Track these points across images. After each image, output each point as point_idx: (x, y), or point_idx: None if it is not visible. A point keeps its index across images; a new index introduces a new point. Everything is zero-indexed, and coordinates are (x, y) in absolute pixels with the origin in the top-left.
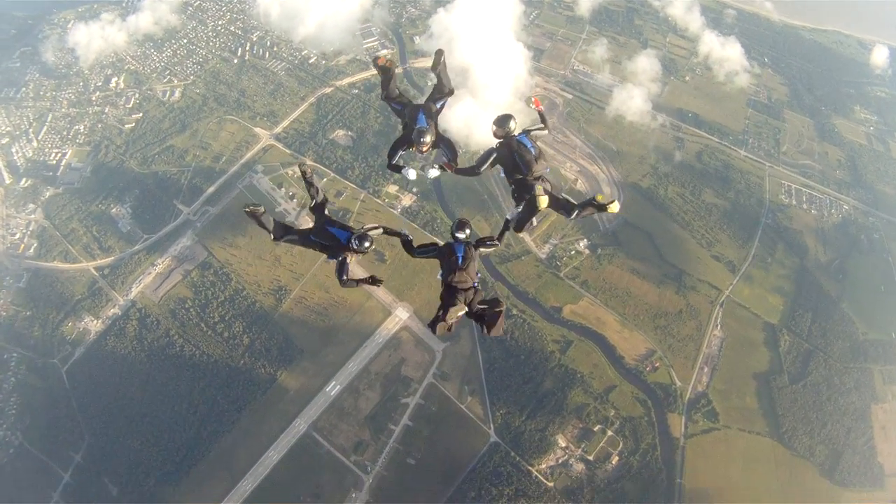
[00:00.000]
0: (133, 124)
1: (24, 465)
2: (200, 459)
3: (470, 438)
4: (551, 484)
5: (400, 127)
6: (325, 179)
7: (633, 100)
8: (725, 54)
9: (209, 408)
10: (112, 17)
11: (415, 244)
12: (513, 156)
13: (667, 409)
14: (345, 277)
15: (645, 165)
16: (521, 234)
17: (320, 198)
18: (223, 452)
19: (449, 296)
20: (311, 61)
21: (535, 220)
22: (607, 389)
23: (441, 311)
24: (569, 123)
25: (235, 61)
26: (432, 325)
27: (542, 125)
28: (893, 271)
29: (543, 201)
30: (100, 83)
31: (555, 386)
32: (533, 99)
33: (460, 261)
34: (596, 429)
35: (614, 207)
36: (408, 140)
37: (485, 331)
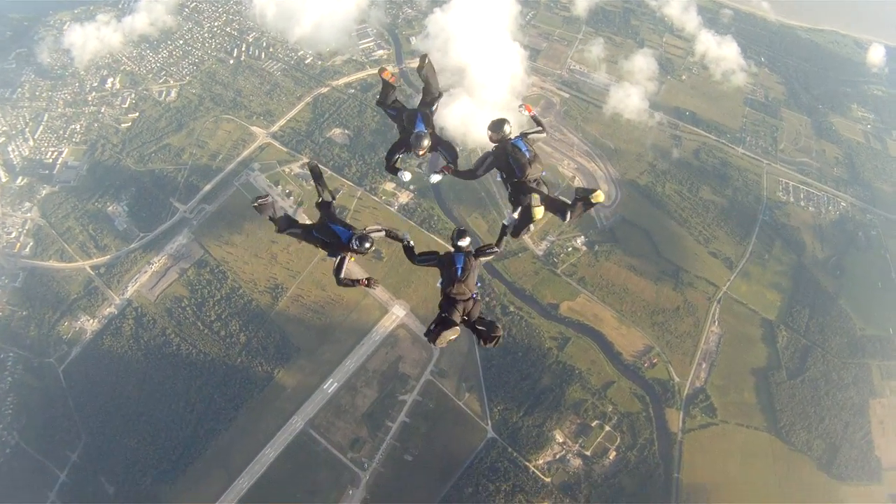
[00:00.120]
0: (129, 123)
1: (20, 464)
2: (197, 458)
3: (467, 435)
4: (549, 479)
5: (396, 130)
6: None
7: (629, 98)
8: (722, 53)
9: (206, 406)
10: (108, 18)
11: (416, 250)
12: (508, 159)
13: (665, 404)
14: (341, 276)
15: (642, 163)
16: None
17: (327, 195)
18: (220, 450)
19: (448, 306)
20: (307, 62)
21: (532, 226)
22: (605, 385)
23: (436, 325)
24: (566, 122)
25: (231, 62)
26: (429, 335)
27: (539, 129)
28: (891, 268)
29: (539, 212)
30: (95, 84)
31: (552, 382)
32: (524, 105)
33: (459, 272)
34: (593, 424)
35: (599, 196)
36: (405, 143)
37: (481, 342)
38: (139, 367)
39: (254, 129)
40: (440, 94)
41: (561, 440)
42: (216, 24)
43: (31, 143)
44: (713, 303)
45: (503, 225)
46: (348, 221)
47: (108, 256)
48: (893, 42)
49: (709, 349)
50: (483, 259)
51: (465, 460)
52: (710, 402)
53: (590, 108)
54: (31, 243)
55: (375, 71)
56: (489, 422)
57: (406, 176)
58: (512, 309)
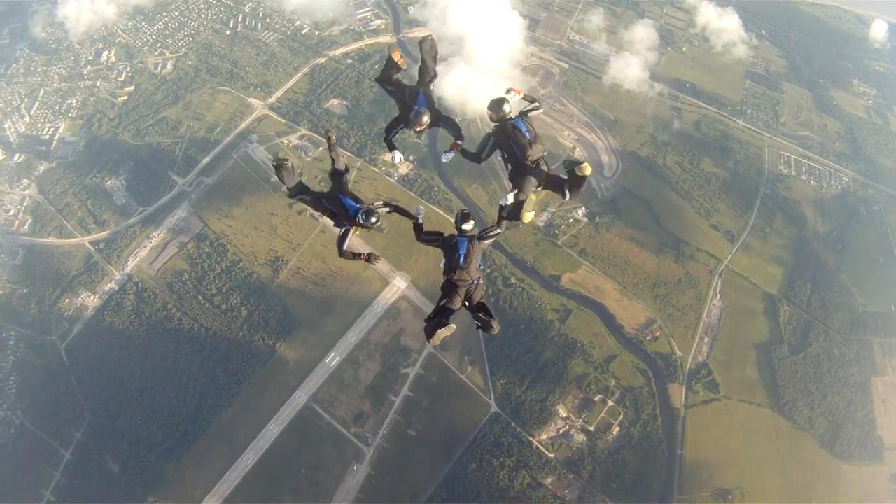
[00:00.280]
0: (125, 97)
1: (24, 444)
2: (201, 434)
3: (470, 409)
4: (552, 455)
5: (397, 106)
6: (320, 148)
7: (629, 68)
8: (723, 25)
9: (209, 381)
10: None
11: (423, 227)
12: (508, 140)
13: (667, 379)
14: (344, 248)
15: (643, 134)
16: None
17: (341, 165)
18: (224, 426)
19: (450, 290)
20: (304, 32)
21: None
22: (608, 359)
23: (435, 315)
24: (565, 92)
25: (228, 33)
26: (428, 326)
27: (536, 104)
28: (892, 243)
29: (528, 217)
30: (91, 57)
31: (555, 356)
32: (511, 89)
33: (462, 259)
34: (596, 399)
35: (586, 169)
36: (405, 119)
37: (477, 328)
38: (141, 342)
39: (251, 100)
40: (435, 75)
41: (564, 415)
42: None
43: (27, 119)
44: (714, 276)
45: (500, 205)
46: (365, 197)
47: (108, 231)
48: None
49: (711, 323)
50: (487, 242)
51: (468, 435)
52: (712, 378)
53: (589, 78)
54: (30, 220)
55: (373, 41)
56: (492, 396)
57: (396, 157)
58: (513, 280)
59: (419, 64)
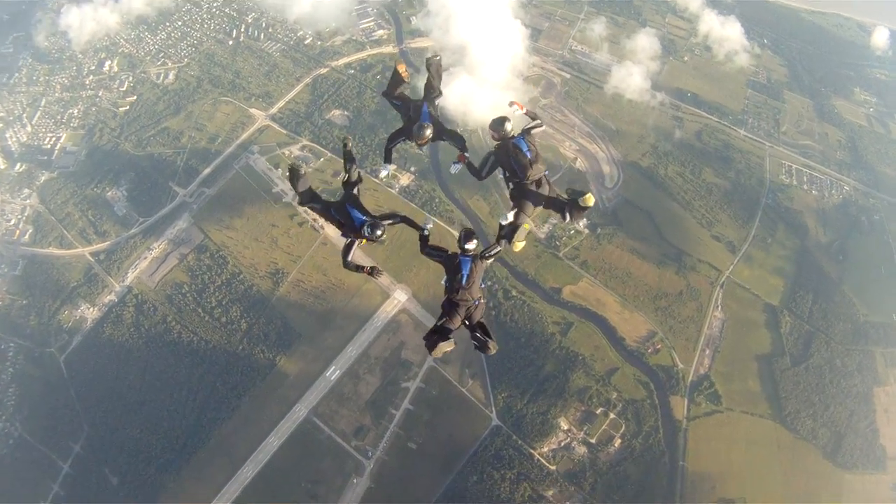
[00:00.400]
0: (127, 107)
1: (23, 456)
2: (200, 447)
3: (471, 422)
4: (553, 467)
5: (402, 118)
6: (321, 159)
7: (631, 77)
8: (725, 34)
9: (208, 394)
10: None
11: (429, 240)
12: (509, 159)
13: (669, 391)
14: (349, 259)
15: (644, 144)
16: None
17: (355, 175)
18: (223, 439)
19: (450, 308)
20: (306, 42)
21: (527, 232)
22: (609, 372)
23: (435, 332)
24: (567, 102)
25: (230, 43)
26: (427, 342)
27: (538, 122)
28: (894, 253)
29: (518, 246)
30: (93, 67)
31: (556, 369)
32: (515, 103)
33: (464, 280)
34: (598, 411)
35: (589, 200)
36: (407, 132)
37: (475, 347)
38: (140, 355)
39: (253, 111)
40: (440, 94)
41: (566, 427)
42: (215, 4)
43: (28, 128)
44: (716, 287)
45: (500, 224)
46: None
47: (108, 242)
48: None
49: (712, 335)
50: (488, 261)
51: (469, 448)
52: (714, 390)
53: (591, 88)
54: (31, 230)
55: (375, 52)
56: (493, 409)
57: (383, 172)
58: (514, 293)
59: (425, 80)
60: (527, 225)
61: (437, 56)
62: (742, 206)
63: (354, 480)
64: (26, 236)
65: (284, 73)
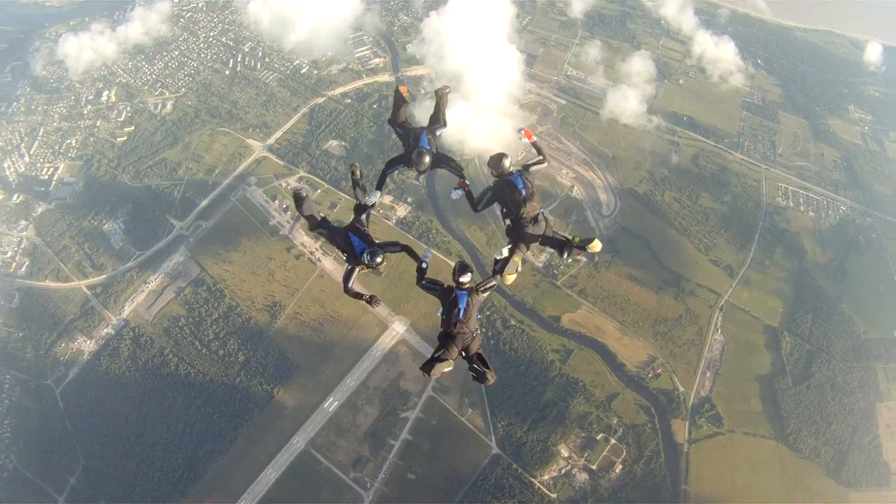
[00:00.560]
0: (125, 138)
1: (18, 489)
2: (197, 480)
3: (471, 451)
4: (554, 495)
5: (402, 146)
6: (318, 191)
7: (627, 101)
8: (719, 54)
9: (205, 427)
10: (102, 27)
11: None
12: (505, 195)
13: (670, 415)
14: (349, 285)
15: (641, 171)
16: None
17: (364, 200)
18: (220, 472)
19: (447, 341)
20: (302, 71)
21: (519, 266)
22: (609, 397)
23: (433, 360)
24: (563, 129)
25: (227, 73)
26: (424, 368)
27: (539, 158)
28: (892, 270)
29: (510, 279)
30: (91, 97)
31: (556, 396)
32: (523, 131)
33: (462, 313)
34: (599, 437)
35: (595, 247)
36: (406, 159)
37: (473, 378)
38: (137, 388)
39: (250, 141)
40: (445, 124)
41: (566, 454)
42: (212, 34)
43: (26, 158)
44: (715, 311)
45: (495, 259)
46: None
47: (105, 276)
48: (890, 41)
49: (713, 358)
50: (484, 294)
51: (469, 478)
52: (715, 412)
53: (587, 114)
54: (27, 263)
55: (372, 80)
56: (493, 438)
57: (371, 199)
58: (513, 322)
59: (433, 109)
60: (517, 258)
61: (447, 87)
62: (739, 230)
63: None
64: (23, 269)
65: (281, 103)
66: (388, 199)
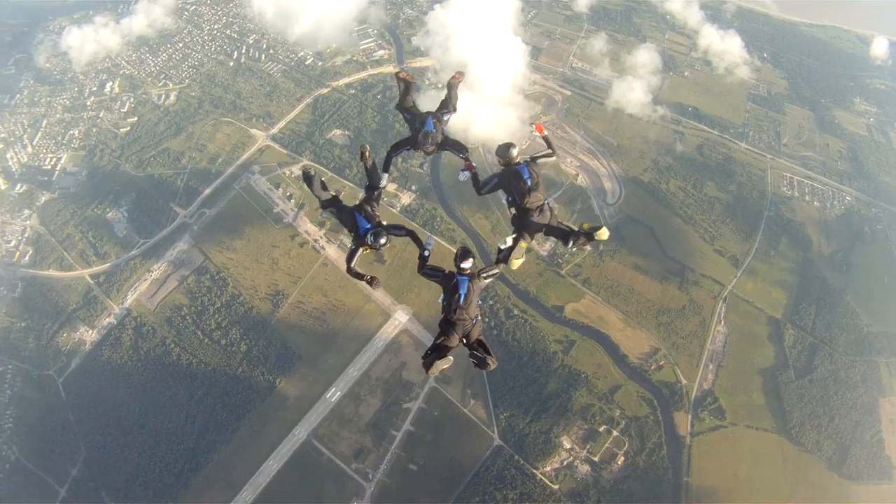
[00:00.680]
0: (128, 128)
1: (20, 480)
2: (199, 470)
3: (473, 442)
4: (556, 486)
5: (410, 130)
6: (322, 179)
7: (632, 92)
8: (725, 47)
9: (207, 417)
10: (105, 20)
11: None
12: (511, 184)
13: (673, 407)
14: (352, 265)
15: (646, 160)
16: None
17: (376, 181)
18: (222, 462)
19: (447, 328)
20: (307, 63)
21: (525, 252)
22: (612, 389)
23: (433, 350)
24: (568, 119)
25: (231, 64)
26: (424, 362)
27: (548, 151)
28: None
29: (516, 263)
30: (94, 88)
31: (559, 387)
32: (535, 126)
33: (462, 299)
34: (601, 429)
35: (603, 235)
36: (413, 141)
37: (475, 365)
38: (139, 378)
39: (253, 131)
40: (454, 110)
41: (568, 446)
42: (216, 26)
43: (29, 149)
44: (719, 302)
45: (498, 248)
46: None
47: (108, 264)
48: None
49: (715, 349)
50: (486, 281)
51: (471, 469)
52: (718, 405)
53: (592, 105)
54: (31, 252)
55: (376, 71)
56: (495, 429)
57: (384, 180)
58: (516, 312)
59: (443, 97)
60: (524, 244)
61: (460, 74)
62: (744, 220)
63: (355, 503)
64: (26, 258)
65: (285, 94)
66: (392, 188)
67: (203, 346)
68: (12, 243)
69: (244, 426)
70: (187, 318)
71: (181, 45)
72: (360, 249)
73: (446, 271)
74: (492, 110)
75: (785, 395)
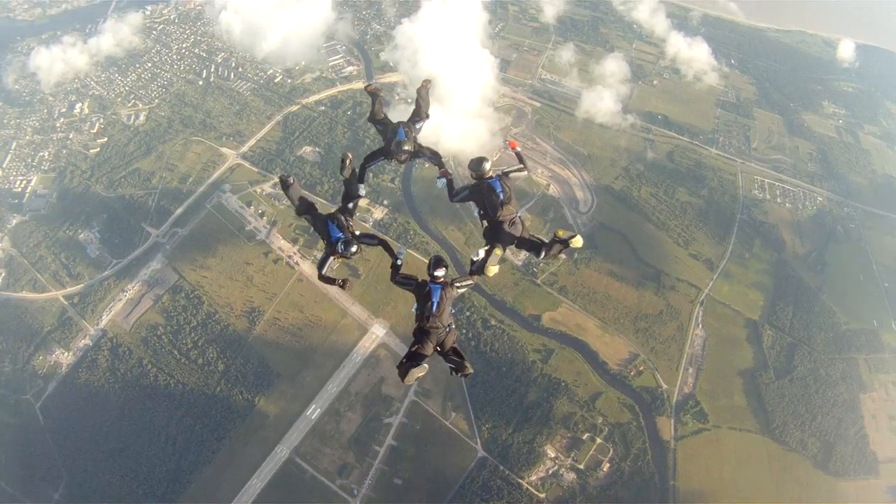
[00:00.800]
0: (98, 149)
1: None
2: (182, 492)
3: (457, 455)
4: (543, 495)
5: (384, 141)
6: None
7: (602, 101)
8: (693, 55)
9: (188, 438)
10: (73, 39)
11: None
12: (483, 197)
13: (655, 412)
14: (322, 272)
15: (617, 168)
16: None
17: (354, 191)
18: (205, 483)
19: (421, 336)
20: (276, 80)
21: (499, 259)
22: (593, 397)
23: (408, 359)
24: (538, 131)
25: (200, 83)
26: (399, 370)
27: (521, 166)
28: (871, 260)
29: (492, 270)
30: (64, 109)
31: (540, 396)
32: (509, 141)
33: (435, 307)
34: (584, 437)
35: (577, 242)
36: (386, 152)
37: (452, 373)
38: (117, 400)
39: (224, 150)
40: (427, 116)
41: (553, 455)
42: (184, 45)
43: None
44: (696, 305)
45: (472, 260)
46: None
47: (82, 285)
48: (861, 39)
49: (694, 353)
50: (460, 290)
51: (456, 481)
52: (700, 408)
53: (562, 115)
54: (3, 274)
55: (345, 88)
56: (478, 440)
57: (361, 190)
58: (493, 322)
59: (414, 105)
60: (498, 251)
61: (428, 81)
62: (717, 224)
63: None
64: None
65: (255, 112)
66: (364, 203)
67: (180, 366)
68: None
69: (225, 446)
70: (163, 337)
71: (150, 64)
72: (331, 258)
73: (419, 280)
74: (462, 123)
75: (766, 395)
